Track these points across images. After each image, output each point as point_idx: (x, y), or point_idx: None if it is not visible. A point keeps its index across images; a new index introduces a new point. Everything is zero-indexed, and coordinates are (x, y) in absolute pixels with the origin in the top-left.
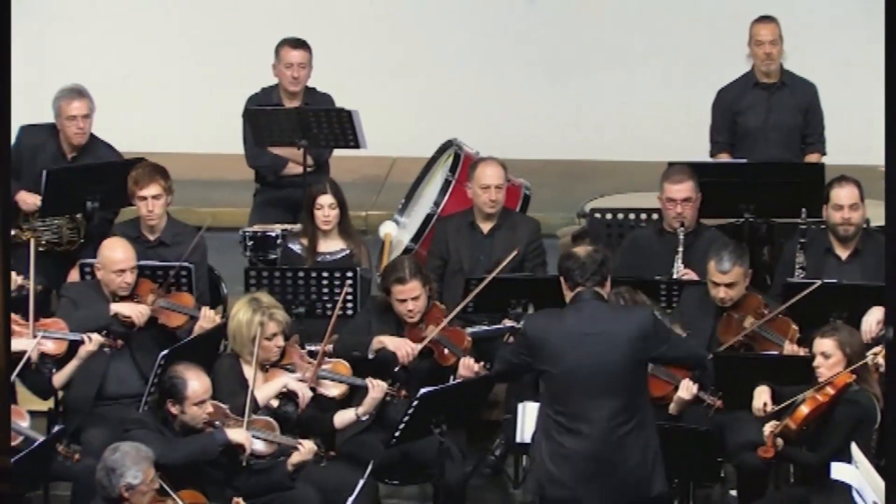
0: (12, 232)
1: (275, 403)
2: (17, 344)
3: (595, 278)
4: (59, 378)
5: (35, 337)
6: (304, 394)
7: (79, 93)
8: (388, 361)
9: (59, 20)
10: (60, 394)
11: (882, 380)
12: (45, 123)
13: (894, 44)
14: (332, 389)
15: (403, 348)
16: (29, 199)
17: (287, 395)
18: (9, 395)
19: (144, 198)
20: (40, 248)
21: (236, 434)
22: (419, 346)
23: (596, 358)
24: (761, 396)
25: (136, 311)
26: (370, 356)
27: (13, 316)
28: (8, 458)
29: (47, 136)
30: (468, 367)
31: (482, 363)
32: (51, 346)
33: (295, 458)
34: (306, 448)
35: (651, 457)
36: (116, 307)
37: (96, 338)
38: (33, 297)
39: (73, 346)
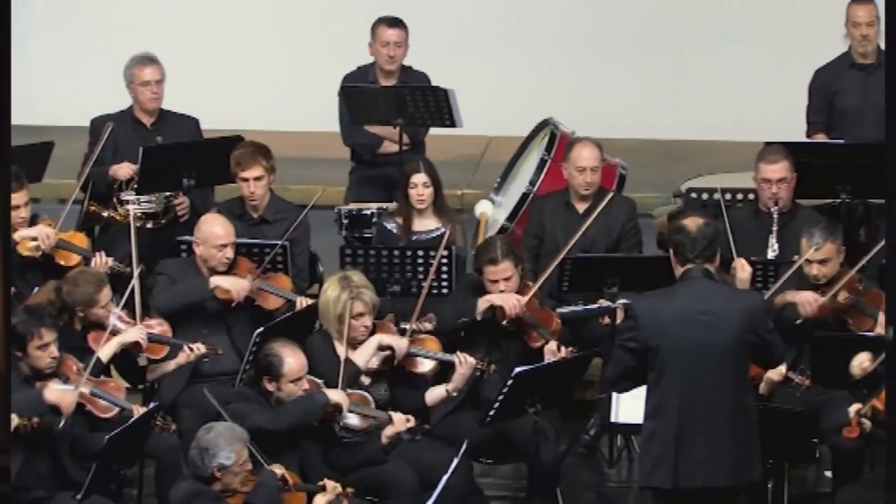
0: (104, 213)
1: (374, 363)
2: (124, 336)
3: (705, 254)
4: (152, 374)
5: (139, 328)
6: (400, 346)
7: (150, 59)
8: (494, 321)
9: (155, 3)
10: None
11: None
12: (112, 113)
13: (894, 44)
14: (423, 366)
15: (510, 301)
16: (123, 167)
17: (378, 378)
18: (9, 394)
19: (247, 179)
20: (137, 224)
21: (335, 394)
22: (525, 299)
23: (704, 337)
24: (860, 357)
25: (236, 286)
26: (479, 318)
27: (119, 312)
28: (8, 458)
29: (118, 116)
30: (552, 351)
31: (569, 347)
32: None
33: (388, 430)
34: (399, 420)
35: (751, 441)
36: (217, 280)
37: (198, 349)
38: (139, 290)
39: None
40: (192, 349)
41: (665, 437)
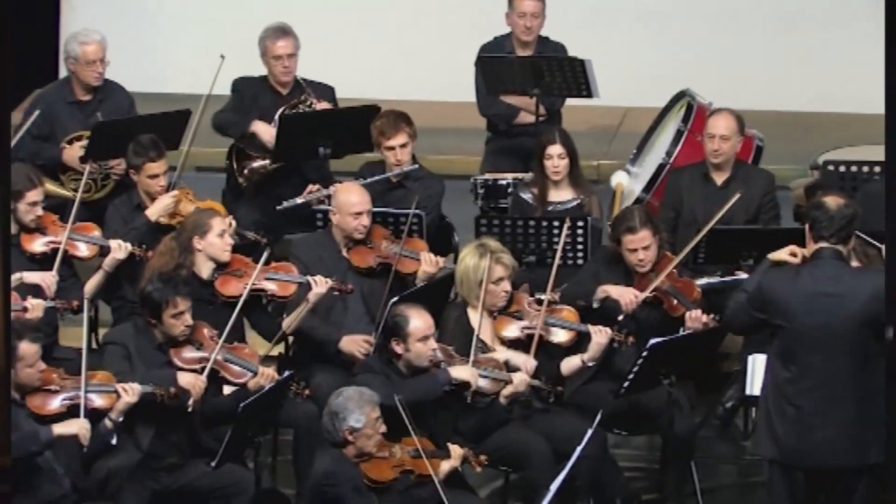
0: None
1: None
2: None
3: (840, 234)
4: (287, 322)
5: (261, 278)
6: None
7: (284, 31)
8: (612, 310)
9: None
10: (290, 339)
11: None
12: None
13: (894, 44)
14: (559, 336)
15: (627, 296)
16: (262, 129)
17: (513, 347)
18: (9, 394)
19: (392, 148)
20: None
21: (461, 371)
22: (643, 295)
23: (829, 318)
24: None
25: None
26: (595, 305)
27: (242, 258)
28: (8, 458)
29: (261, 82)
30: (696, 318)
31: (711, 315)
32: (274, 289)
33: (507, 389)
34: (518, 380)
35: (872, 424)
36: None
37: (324, 281)
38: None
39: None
40: (317, 282)
41: (778, 410)
